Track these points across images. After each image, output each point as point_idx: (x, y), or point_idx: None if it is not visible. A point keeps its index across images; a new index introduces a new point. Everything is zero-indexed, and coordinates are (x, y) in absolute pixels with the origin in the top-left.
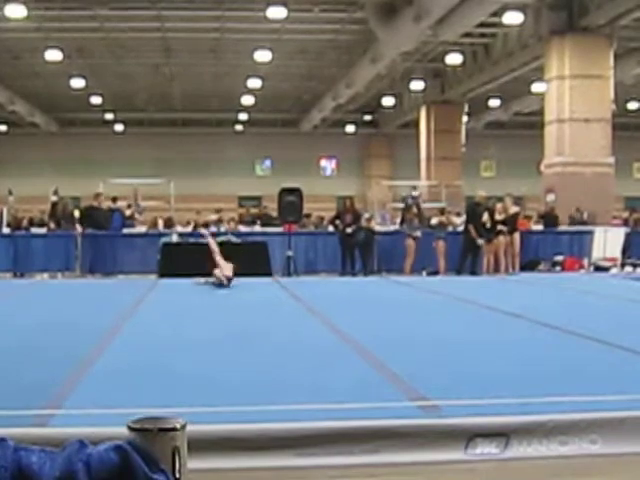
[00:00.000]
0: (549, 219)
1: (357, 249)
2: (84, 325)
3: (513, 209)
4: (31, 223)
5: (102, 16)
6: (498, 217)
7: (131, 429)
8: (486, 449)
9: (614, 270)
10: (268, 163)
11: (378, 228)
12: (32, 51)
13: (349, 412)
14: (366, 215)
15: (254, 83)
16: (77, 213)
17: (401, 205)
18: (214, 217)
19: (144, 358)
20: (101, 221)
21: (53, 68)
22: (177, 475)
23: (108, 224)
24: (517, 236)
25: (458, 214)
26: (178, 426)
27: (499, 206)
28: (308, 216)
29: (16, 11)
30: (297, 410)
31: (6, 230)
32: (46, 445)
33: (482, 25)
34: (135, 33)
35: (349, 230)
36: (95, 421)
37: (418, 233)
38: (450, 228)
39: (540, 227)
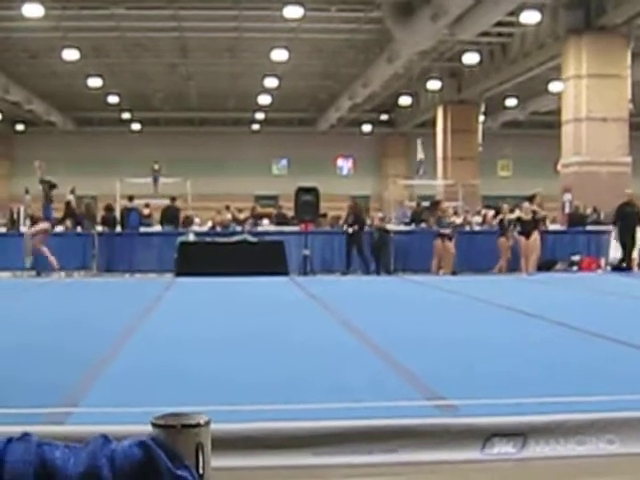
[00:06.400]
0: (574, 218)
1: (371, 249)
2: (101, 324)
3: (539, 211)
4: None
5: (119, 15)
6: (524, 217)
7: (155, 425)
8: (503, 449)
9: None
10: (284, 162)
11: (398, 227)
12: (49, 50)
13: (366, 411)
14: (379, 215)
15: (271, 82)
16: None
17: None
18: (229, 216)
19: (161, 357)
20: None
21: (70, 67)
22: (201, 471)
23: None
24: (538, 237)
25: (478, 213)
26: (202, 422)
27: (526, 205)
28: (324, 216)
29: (33, 10)
30: (314, 409)
31: (24, 229)
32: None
33: (499, 24)
34: (152, 32)
35: (350, 230)
36: (112, 419)
37: (448, 231)
38: (467, 228)
39: (557, 227)
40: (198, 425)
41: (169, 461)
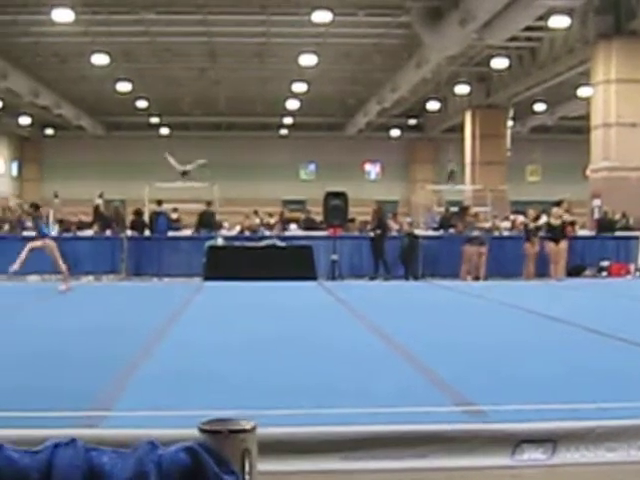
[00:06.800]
0: (603, 224)
1: (400, 254)
2: (130, 328)
3: (566, 216)
4: (79, 227)
5: (148, 20)
6: (554, 222)
7: (202, 430)
8: (533, 455)
9: None
10: (312, 167)
11: (426, 233)
12: (79, 55)
13: (395, 416)
14: (408, 220)
15: (299, 87)
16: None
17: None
18: (257, 220)
19: (191, 361)
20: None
21: (99, 72)
22: (247, 477)
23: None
24: (565, 243)
25: (507, 218)
26: (248, 428)
27: (555, 210)
28: (352, 220)
29: (63, 15)
30: (343, 414)
31: (53, 232)
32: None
33: (528, 29)
34: (181, 37)
35: (372, 234)
36: (144, 423)
37: (479, 234)
38: (496, 233)
39: (586, 233)
40: (245, 430)
41: (216, 466)
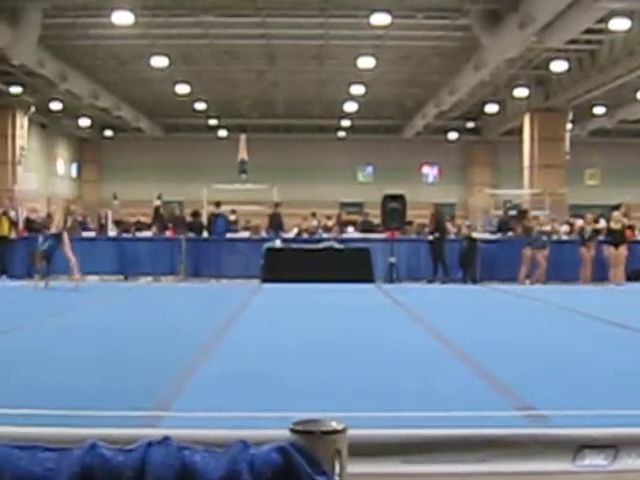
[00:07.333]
0: None
1: (459, 258)
2: (189, 329)
3: (625, 220)
4: (138, 228)
5: (207, 23)
6: (614, 226)
7: (293, 431)
8: (594, 461)
9: None
10: (370, 169)
11: (485, 236)
12: (138, 57)
13: (455, 420)
14: (467, 223)
15: (357, 90)
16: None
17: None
18: (315, 223)
19: (250, 362)
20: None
21: (158, 74)
22: (337, 478)
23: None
24: (625, 247)
25: (566, 222)
26: (340, 429)
27: (615, 215)
28: (410, 223)
29: (123, 18)
30: (402, 417)
31: (112, 233)
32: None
33: (588, 31)
34: (239, 40)
35: (430, 237)
36: (203, 423)
37: (538, 237)
38: (554, 237)
39: None
40: (336, 431)
41: (308, 467)
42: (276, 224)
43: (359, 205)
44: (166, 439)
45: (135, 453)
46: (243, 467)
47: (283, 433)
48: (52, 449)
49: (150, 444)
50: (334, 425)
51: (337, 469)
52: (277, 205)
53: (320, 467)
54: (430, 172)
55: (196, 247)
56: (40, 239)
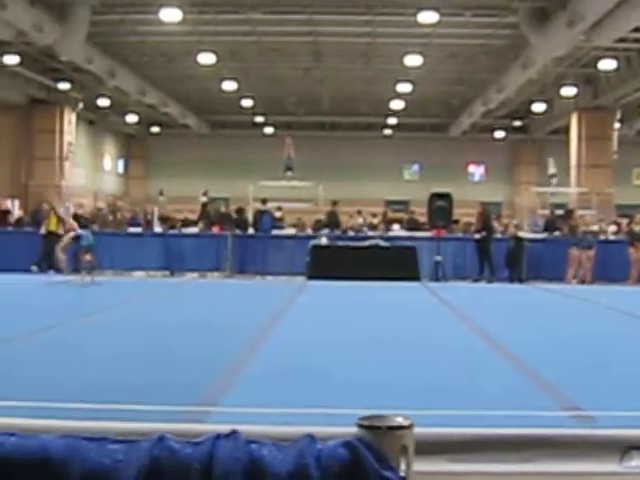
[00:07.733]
0: None
1: (505, 257)
2: (236, 325)
3: None
4: (184, 224)
5: (255, 20)
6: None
7: (360, 426)
8: None
9: None
10: (416, 168)
11: (531, 235)
12: (185, 54)
13: (501, 419)
14: (514, 222)
15: (404, 87)
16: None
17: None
18: (361, 220)
19: (297, 359)
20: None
21: (205, 71)
22: (403, 474)
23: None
24: None
25: (614, 222)
26: (406, 425)
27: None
28: (456, 222)
29: (171, 15)
30: (448, 415)
31: (158, 229)
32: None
33: (637, 30)
34: (286, 37)
35: (477, 236)
36: (251, 419)
37: (586, 237)
38: (602, 237)
39: None
40: (402, 427)
41: (375, 462)
42: (333, 222)
43: (405, 203)
44: (234, 432)
45: (203, 446)
46: (310, 461)
47: (349, 429)
48: (121, 441)
49: (218, 437)
50: (400, 421)
51: (403, 465)
52: (334, 203)
53: (387, 462)
54: (476, 171)
55: (242, 244)
56: (83, 234)
